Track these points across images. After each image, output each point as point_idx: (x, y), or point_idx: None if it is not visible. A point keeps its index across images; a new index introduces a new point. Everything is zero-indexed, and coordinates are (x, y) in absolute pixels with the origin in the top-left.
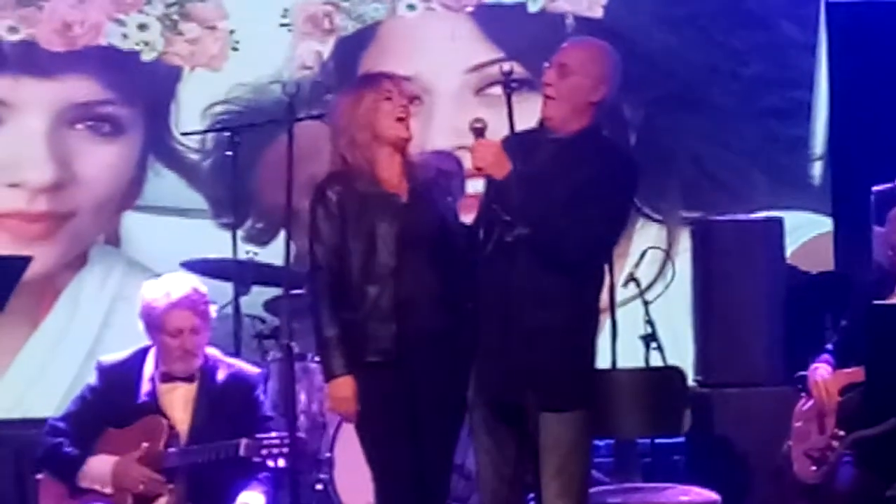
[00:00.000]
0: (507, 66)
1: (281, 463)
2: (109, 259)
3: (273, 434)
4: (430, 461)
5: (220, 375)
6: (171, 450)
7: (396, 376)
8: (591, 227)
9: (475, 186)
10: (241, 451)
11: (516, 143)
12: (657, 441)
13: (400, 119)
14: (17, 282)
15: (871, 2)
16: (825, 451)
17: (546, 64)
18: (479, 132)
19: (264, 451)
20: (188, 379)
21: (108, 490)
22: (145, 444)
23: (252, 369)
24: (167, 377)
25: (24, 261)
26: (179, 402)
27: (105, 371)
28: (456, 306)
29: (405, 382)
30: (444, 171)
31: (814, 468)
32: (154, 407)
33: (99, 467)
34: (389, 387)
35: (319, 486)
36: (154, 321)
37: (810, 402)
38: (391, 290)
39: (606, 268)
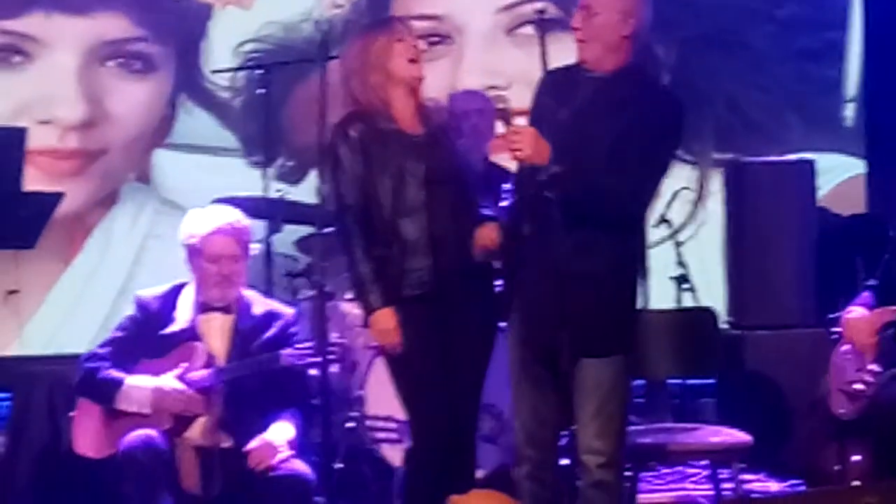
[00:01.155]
0: (539, 5)
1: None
2: (140, 197)
3: (308, 343)
4: (461, 397)
5: (257, 310)
6: (209, 369)
7: (431, 310)
8: (634, 171)
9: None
10: (282, 361)
11: (553, 80)
12: (687, 382)
13: (412, 60)
14: (48, 218)
15: None
16: (861, 387)
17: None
18: (504, 117)
19: (305, 360)
20: (225, 309)
21: (146, 410)
22: (184, 365)
23: (287, 309)
24: (205, 307)
25: (56, 197)
26: (217, 332)
27: (143, 303)
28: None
29: (439, 317)
30: (473, 110)
31: (849, 404)
32: (192, 335)
33: (138, 388)
34: (424, 321)
35: (350, 424)
36: (195, 246)
37: (846, 343)
38: (423, 223)
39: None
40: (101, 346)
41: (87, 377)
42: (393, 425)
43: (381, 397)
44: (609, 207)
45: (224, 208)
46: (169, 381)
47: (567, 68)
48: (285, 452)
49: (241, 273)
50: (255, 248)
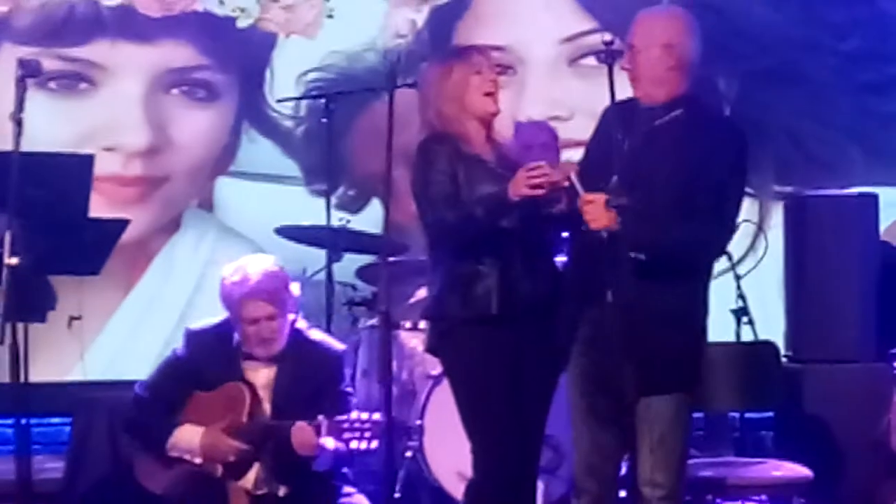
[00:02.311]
0: (608, 37)
1: (363, 445)
2: (203, 224)
3: (355, 415)
4: (526, 427)
5: (304, 352)
6: (259, 418)
7: (507, 335)
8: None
9: (575, 156)
10: (323, 432)
11: (614, 114)
12: (746, 416)
13: (488, 94)
14: (114, 244)
15: None
16: None
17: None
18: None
19: (346, 435)
20: (271, 359)
21: (197, 460)
22: (229, 415)
23: (336, 344)
24: (249, 356)
25: (122, 224)
26: (261, 382)
27: (192, 338)
28: (556, 274)
29: (514, 343)
30: (538, 144)
31: None
32: (238, 375)
33: (187, 439)
34: (499, 346)
35: (409, 454)
36: (231, 309)
37: None
38: (496, 251)
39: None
40: (147, 388)
41: (135, 426)
42: None
43: (441, 427)
44: (684, 250)
45: (256, 264)
46: (216, 433)
47: (627, 101)
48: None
49: (280, 329)
50: (297, 288)
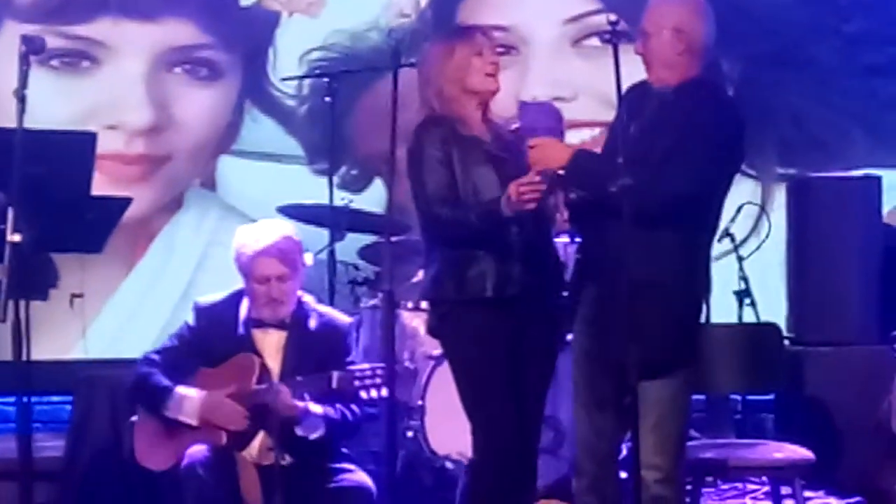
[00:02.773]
0: (612, 17)
1: (374, 393)
2: (205, 203)
3: (365, 365)
4: (526, 407)
5: (312, 323)
6: (262, 386)
7: (504, 317)
8: (694, 176)
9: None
10: (334, 384)
11: (628, 97)
12: (748, 398)
13: (489, 74)
14: (116, 223)
15: None
16: None
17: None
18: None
19: (357, 383)
20: (279, 325)
21: (193, 422)
22: (236, 384)
23: (343, 317)
24: (258, 323)
25: (124, 202)
26: (271, 348)
27: (202, 311)
28: (555, 256)
29: (512, 325)
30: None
31: None
32: (247, 346)
33: (188, 398)
34: (497, 328)
35: (410, 434)
36: (243, 267)
37: None
38: (504, 231)
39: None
40: (157, 351)
41: (139, 382)
42: None
43: (441, 407)
44: (673, 215)
45: (272, 225)
46: (219, 397)
47: (640, 84)
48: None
49: (290, 292)
50: (310, 258)
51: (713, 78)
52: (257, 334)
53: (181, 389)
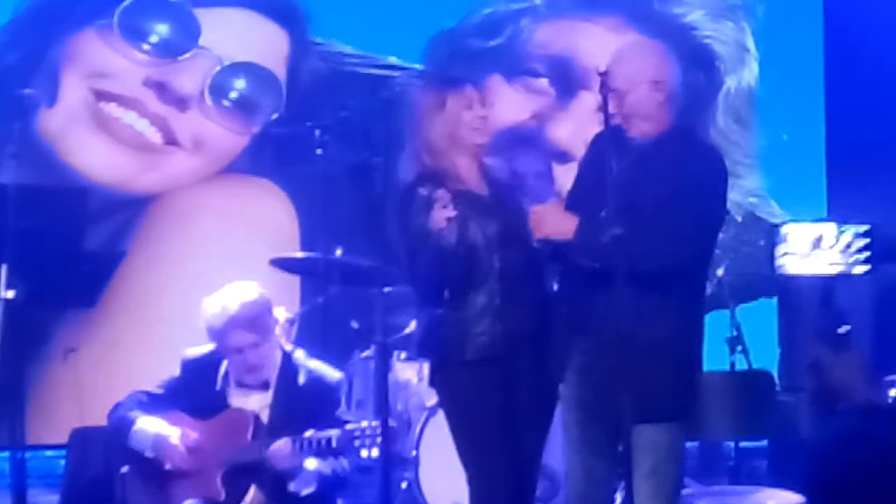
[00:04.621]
0: (603, 68)
1: (375, 453)
2: None
3: (364, 423)
4: (522, 459)
5: (301, 378)
6: (255, 441)
7: (494, 373)
8: (683, 235)
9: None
10: (334, 444)
11: (602, 143)
12: (741, 445)
13: (477, 129)
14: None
15: None
16: None
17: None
18: None
19: (357, 442)
20: (262, 386)
21: (149, 454)
22: (230, 436)
23: (333, 372)
24: (241, 384)
25: (119, 255)
26: (254, 406)
27: (187, 364)
28: (549, 305)
29: (503, 379)
30: (533, 171)
31: None
32: (223, 404)
33: (144, 430)
34: (488, 384)
35: (404, 485)
36: (215, 339)
37: None
38: (493, 287)
39: None
40: (143, 391)
41: (113, 415)
42: None
43: (435, 459)
44: (665, 269)
45: (237, 293)
46: (173, 433)
47: (613, 131)
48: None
49: (267, 355)
50: (282, 313)
51: (687, 123)
52: (238, 396)
53: (141, 421)
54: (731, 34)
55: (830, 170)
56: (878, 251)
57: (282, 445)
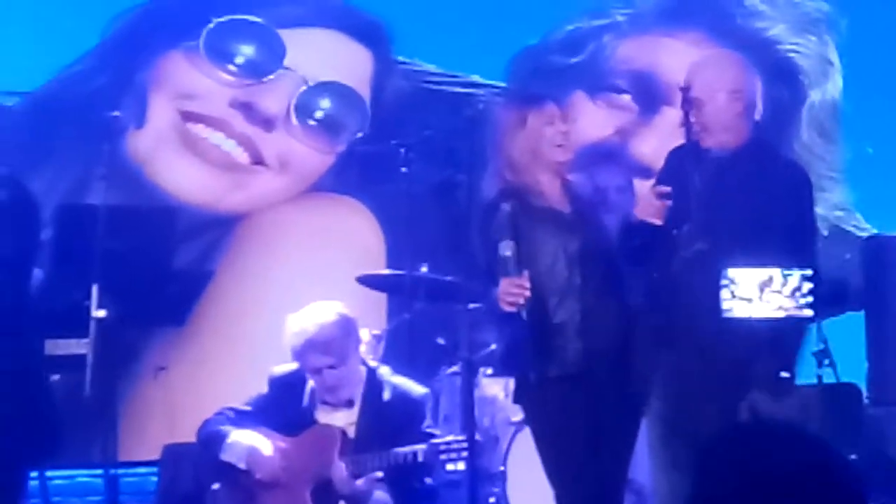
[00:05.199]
0: (683, 84)
1: (461, 466)
2: None
3: (450, 437)
4: (608, 474)
5: (386, 395)
6: (346, 458)
7: (578, 389)
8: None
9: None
10: (420, 458)
11: (679, 158)
12: None
13: (559, 145)
14: (199, 295)
15: None
16: None
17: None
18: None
19: (443, 456)
20: (346, 405)
21: (242, 466)
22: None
23: (418, 388)
24: (325, 402)
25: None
26: (342, 423)
27: (274, 381)
28: (632, 320)
29: (587, 396)
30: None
31: None
32: (310, 420)
33: (238, 443)
34: (572, 400)
35: (492, 500)
36: (296, 359)
37: None
38: (575, 303)
39: None
40: (230, 408)
41: (203, 430)
42: None
43: (523, 474)
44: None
45: (317, 314)
46: (267, 446)
47: (691, 146)
48: None
49: (345, 376)
50: (366, 334)
51: (767, 137)
52: (325, 412)
53: (235, 434)
54: (814, 47)
55: None
56: None
57: (338, 468)
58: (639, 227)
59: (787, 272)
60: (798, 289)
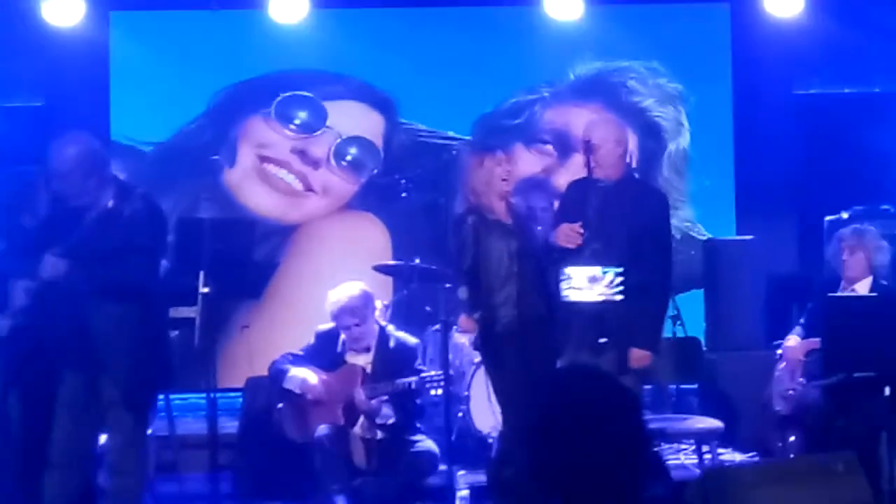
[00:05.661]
0: (587, 137)
1: (440, 392)
2: None
3: (432, 372)
4: (534, 392)
5: (391, 343)
6: (365, 386)
7: (515, 341)
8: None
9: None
10: (413, 386)
11: (577, 187)
12: (681, 387)
13: (505, 179)
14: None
15: None
16: (792, 393)
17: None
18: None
19: (427, 385)
20: (365, 350)
21: (297, 391)
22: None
23: (412, 339)
24: (352, 349)
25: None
26: (363, 363)
27: (318, 335)
28: (550, 298)
29: (520, 345)
30: (539, 206)
31: (785, 404)
32: (342, 361)
33: (294, 377)
34: (510, 347)
35: (460, 414)
36: (333, 320)
37: (783, 363)
38: (512, 286)
39: None
40: (290, 353)
41: (272, 368)
42: None
43: (480, 397)
44: (637, 291)
45: (347, 289)
46: (313, 378)
47: (585, 178)
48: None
49: (366, 332)
50: (379, 304)
51: (639, 173)
52: (351, 356)
53: (292, 371)
54: (671, 114)
55: (738, 204)
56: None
57: (360, 397)
58: (556, 246)
59: (605, 269)
60: (612, 282)
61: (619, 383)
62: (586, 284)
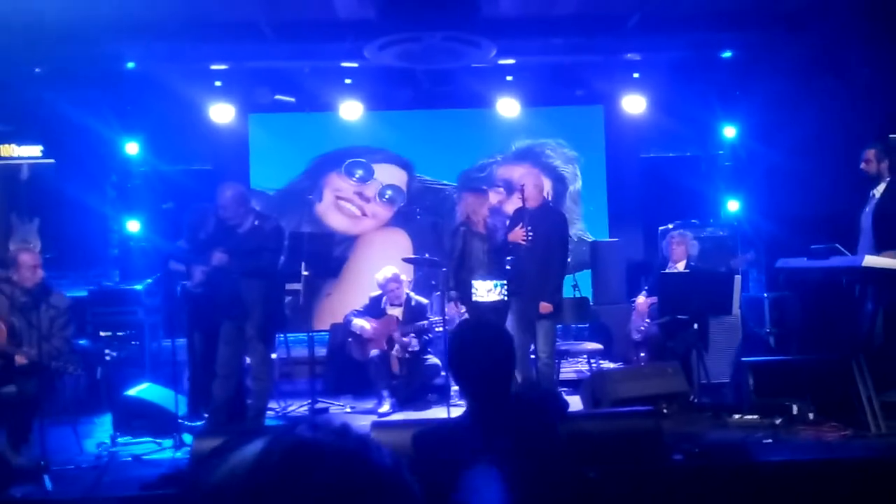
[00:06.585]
0: (520, 184)
1: (440, 329)
2: None
3: (435, 318)
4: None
5: (413, 303)
6: (399, 327)
7: (487, 307)
8: (554, 246)
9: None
10: (426, 326)
11: (518, 211)
12: (579, 326)
13: (488, 208)
14: (343, 265)
15: None
16: (643, 328)
17: (518, 184)
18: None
19: (434, 327)
20: (400, 305)
21: (357, 332)
22: (389, 325)
23: (424, 300)
24: (391, 304)
25: (345, 259)
26: (396, 314)
27: (372, 298)
28: (509, 282)
29: (490, 311)
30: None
31: (638, 335)
32: (383, 312)
33: (355, 324)
34: (482, 311)
35: None
36: (380, 288)
37: (636, 311)
38: (483, 272)
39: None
40: (355, 309)
41: (345, 318)
42: None
43: None
44: (547, 268)
45: (387, 270)
46: (367, 324)
47: (522, 207)
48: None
49: (399, 295)
50: (406, 280)
51: (552, 203)
52: (390, 309)
53: (355, 321)
54: (571, 169)
55: (610, 220)
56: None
57: (396, 335)
58: (511, 244)
59: (497, 282)
60: (501, 290)
61: (505, 330)
62: (485, 293)
